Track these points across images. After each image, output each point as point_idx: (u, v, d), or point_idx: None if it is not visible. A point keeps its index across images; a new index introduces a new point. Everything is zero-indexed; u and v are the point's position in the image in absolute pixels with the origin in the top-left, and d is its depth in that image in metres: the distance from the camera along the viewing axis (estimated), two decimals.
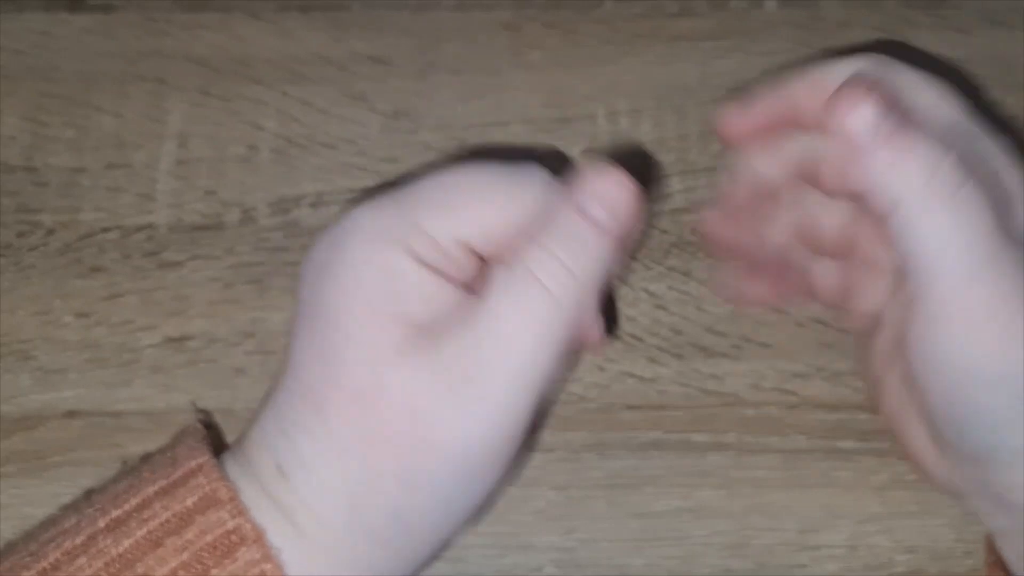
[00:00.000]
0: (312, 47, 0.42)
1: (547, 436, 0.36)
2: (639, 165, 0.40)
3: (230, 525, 0.27)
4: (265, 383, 0.36)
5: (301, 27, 0.43)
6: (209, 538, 0.27)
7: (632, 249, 0.38)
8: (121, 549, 0.27)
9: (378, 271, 0.28)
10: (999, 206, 0.28)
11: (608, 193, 0.28)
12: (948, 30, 0.42)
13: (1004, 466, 0.29)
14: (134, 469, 0.30)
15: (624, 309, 0.38)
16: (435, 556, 0.30)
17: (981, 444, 0.29)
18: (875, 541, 0.35)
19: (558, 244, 0.28)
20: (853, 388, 0.37)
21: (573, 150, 0.40)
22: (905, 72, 0.30)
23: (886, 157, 0.27)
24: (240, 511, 0.27)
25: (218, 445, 0.30)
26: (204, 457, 0.28)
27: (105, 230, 0.39)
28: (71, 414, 0.36)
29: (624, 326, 0.38)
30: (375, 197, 0.30)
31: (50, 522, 0.29)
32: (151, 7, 0.43)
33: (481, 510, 0.30)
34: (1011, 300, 0.27)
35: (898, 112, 0.27)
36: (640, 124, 0.41)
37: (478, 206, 0.29)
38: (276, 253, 0.39)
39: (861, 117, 0.27)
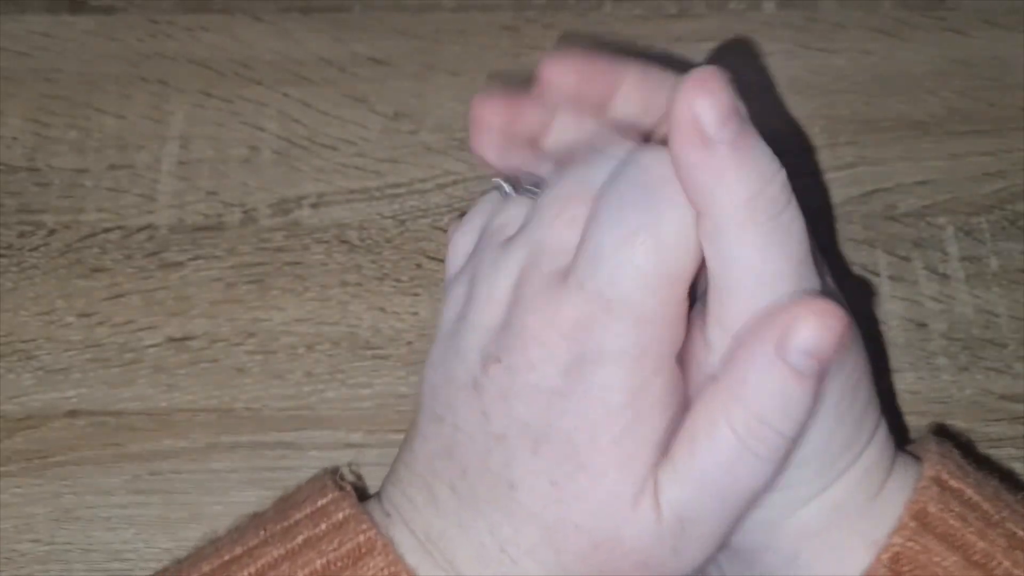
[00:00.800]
0: (313, 49, 0.43)
1: None
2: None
3: None
4: (266, 382, 0.36)
5: (302, 29, 0.43)
6: None
7: None
8: None
9: (630, 396, 0.26)
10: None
11: (816, 339, 0.24)
12: (946, 31, 0.43)
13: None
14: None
15: None
16: None
17: None
18: None
19: (764, 406, 0.25)
20: None
21: None
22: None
23: (720, 161, 0.24)
24: None
25: None
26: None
27: (107, 230, 0.39)
28: (73, 414, 0.36)
29: None
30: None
31: None
32: (153, 9, 0.43)
33: None
34: None
35: (741, 118, 0.25)
36: None
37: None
38: (277, 253, 0.39)
39: (708, 107, 0.24)
